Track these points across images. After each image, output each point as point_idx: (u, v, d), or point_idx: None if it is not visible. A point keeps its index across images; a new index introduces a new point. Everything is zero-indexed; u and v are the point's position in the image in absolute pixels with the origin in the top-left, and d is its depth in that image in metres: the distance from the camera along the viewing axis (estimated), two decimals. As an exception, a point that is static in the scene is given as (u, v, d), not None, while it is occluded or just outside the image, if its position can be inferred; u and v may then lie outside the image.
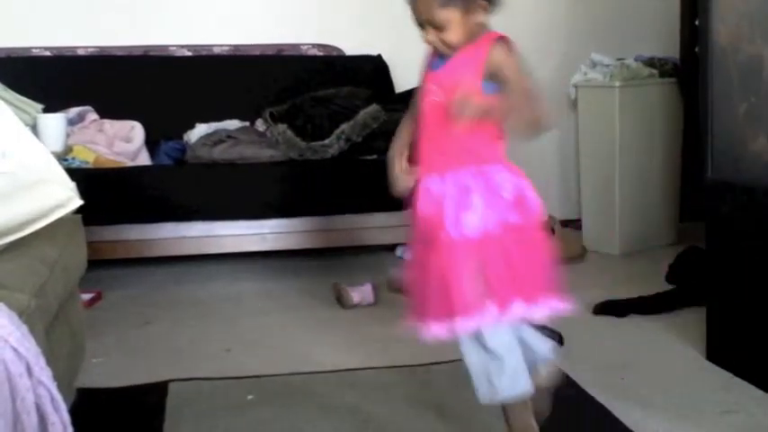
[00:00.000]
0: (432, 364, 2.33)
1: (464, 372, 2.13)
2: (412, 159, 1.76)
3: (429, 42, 1.64)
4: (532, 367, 1.72)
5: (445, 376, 2.24)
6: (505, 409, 1.73)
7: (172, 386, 2.18)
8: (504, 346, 1.66)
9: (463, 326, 1.62)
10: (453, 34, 1.61)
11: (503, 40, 1.65)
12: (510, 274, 1.62)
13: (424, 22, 1.62)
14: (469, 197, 1.63)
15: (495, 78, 1.62)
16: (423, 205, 1.69)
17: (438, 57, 1.68)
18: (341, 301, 2.91)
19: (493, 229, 1.61)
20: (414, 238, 1.75)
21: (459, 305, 1.60)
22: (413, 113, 1.77)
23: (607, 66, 3.67)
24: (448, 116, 1.58)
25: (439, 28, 1.61)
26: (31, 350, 1.28)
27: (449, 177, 1.65)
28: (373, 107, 3.34)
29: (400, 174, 1.75)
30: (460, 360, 2.32)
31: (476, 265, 1.61)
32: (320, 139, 3.21)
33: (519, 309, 1.62)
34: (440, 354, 2.40)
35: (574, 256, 3.53)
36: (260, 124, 3.52)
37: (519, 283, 1.62)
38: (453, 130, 1.59)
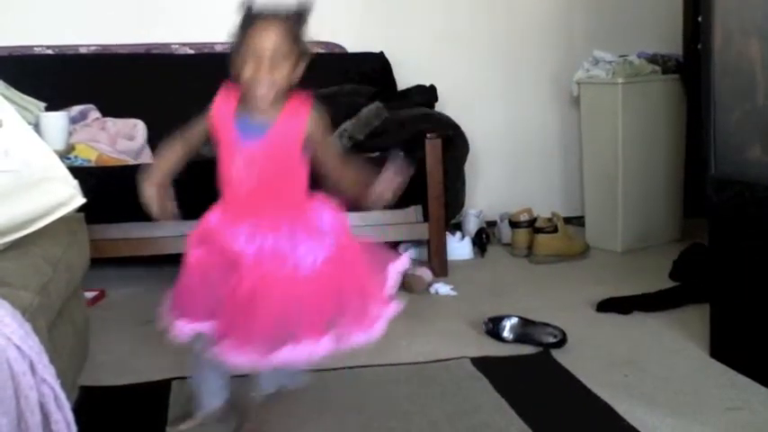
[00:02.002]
0: (435, 361, 2.33)
1: (462, 369, 2.12)
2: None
3: (258, 78, 1.65)
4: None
5: (449, 374, 2.24)
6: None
7: (175, 384, 2.18)
8: None
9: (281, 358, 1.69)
10: (284, 76, 1.67)
11: (314, 105, 1.75)
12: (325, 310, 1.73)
13: (267, 55, 1.65)
14: (296, 244, 1.71)
15: (308, 139, 1.74)
16: (242, 250, 1.72)
17: (243, 118, 1.72)
18: (344, 298, 2.91)
19: (313, 271, 1.72)
20: (214, 262, 1.76)
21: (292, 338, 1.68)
22: (184, 146, 1.81)
23: (609, 62, 3.66)
24: (270, 180, 1.71)
25: (275, 66, 1.65)
26: (35, 348, 1.29)
27: (273, 226, 1.72)
28: (375, 105, 3.33)
29: (157, 203, 1.77)
30: (463, 358, 2.33)
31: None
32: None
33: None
34: (443, 352, 2.40)
35: (576, 253, 3.53)
36: (262, 122, 3.52)
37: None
38: (275, 191, 1.73)
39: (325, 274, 1.73)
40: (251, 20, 1.67)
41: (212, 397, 1.92)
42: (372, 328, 1.75)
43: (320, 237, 1.75)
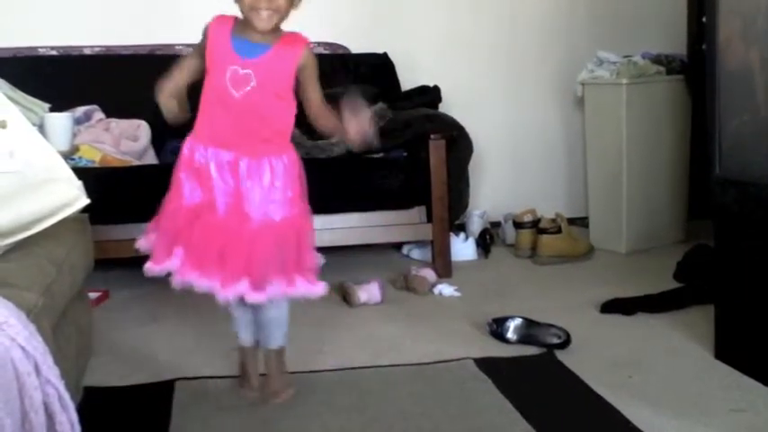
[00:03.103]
0: (438, 362, 2.33)
1: (465, 370, 2.11)
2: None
3: (258, 6, 1.70)
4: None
5: (452, 375, 2.24)
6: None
7: (178, 385, 2.18)
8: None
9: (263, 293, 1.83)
10: (281, 7, 1.74)
11: (309, 44, 1.84)
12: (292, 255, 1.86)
13: None
14: (274, 187, 1.81)
15: (298, 74, 1.81)
16: (219, 178, 1.80)
17: (239, 38, 1.77)
18: (348, 299, 2.91)
19: (286, 217, 1.83)
20: (188, 195, 1.84)
21: (265, 277, 1.81)
22: (190, 66, 1.87)
23: (614, 63, 3.66)
24: (259, 103, 1.77)
25: None
26: (39, 349, 1.29)
27: (253, 160, 1.80)
28: (379, 105, 3.33)
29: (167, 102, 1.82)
30: (466, 359, 2.33)
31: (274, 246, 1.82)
32: (327, 138, 3.20)
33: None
34: (447, 353, 2.40)
35: (580, 253, 3.52)
36: (266, 123, 3.52)
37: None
38: (262, 117, 1.79)
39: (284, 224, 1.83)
40: None
41: (244, 332, 2.09)
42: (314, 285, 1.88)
43: (288, 184, 1.84)
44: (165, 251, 1.86)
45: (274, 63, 1.78)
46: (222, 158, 1.79)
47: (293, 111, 1.86)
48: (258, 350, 2.11)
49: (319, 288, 1.90)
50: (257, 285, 1.82)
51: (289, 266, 1.84)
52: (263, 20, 1.73)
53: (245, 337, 2.11)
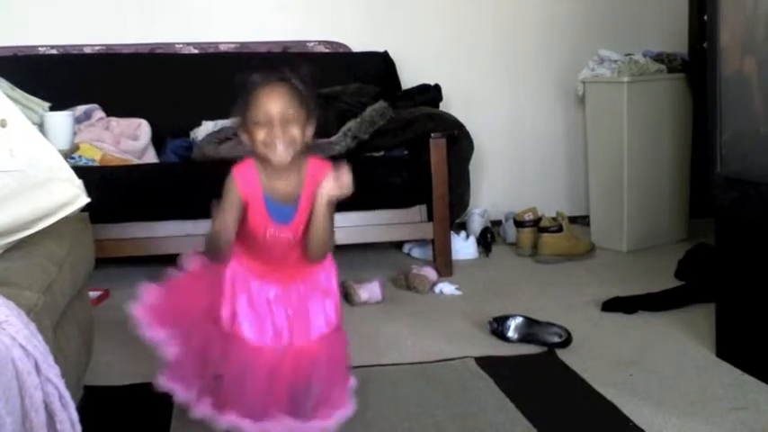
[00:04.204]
0: (439, 361, 2.33)
1: (466, 369, 2.11)
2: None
3: (273, 140, 1.61)
4: None
5: (453, 374, 2.24)
6: None
7: (179, 384, 2.18)
8: None
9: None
10: (297, 136, 1.63)
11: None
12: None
13: (277, 117, 1.61)
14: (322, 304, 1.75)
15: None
16: (275, 305, 1.73)
17: (272, 200, 1.68)
18: (349, 298, 2.91)
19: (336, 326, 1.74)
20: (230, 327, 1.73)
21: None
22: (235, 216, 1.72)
23: (615, 61, 3.66)
24: (295, 243, 1.71)
25: (286, 127, 1.62)
26: (39, 348, 1.28)
27: (290, 290, 1.73)
28: (380, 104, 3.33)
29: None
30: (467, 358, 2.33)
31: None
32: (327, 137, 3.20)
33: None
34: (448, 351, 2.40)
35: (582, 252, 3.52)
36: (266, 122, 3.52)
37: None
38: (294, 258, 1.73)
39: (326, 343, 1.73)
40: (255, 87, 1.64)
41: None
42: (331, 417, 1.70)
43: (326, 297, 1.77)
44: (191, 376, 1.77)
45: (307, 212, 1.69)
46: (272, 288, 1.74)
47: None
48: None
49: (350, 407, 1.72)
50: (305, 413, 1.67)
51: (336, 381, 1.72)
52: (281, 154, 1.63)
53: None
